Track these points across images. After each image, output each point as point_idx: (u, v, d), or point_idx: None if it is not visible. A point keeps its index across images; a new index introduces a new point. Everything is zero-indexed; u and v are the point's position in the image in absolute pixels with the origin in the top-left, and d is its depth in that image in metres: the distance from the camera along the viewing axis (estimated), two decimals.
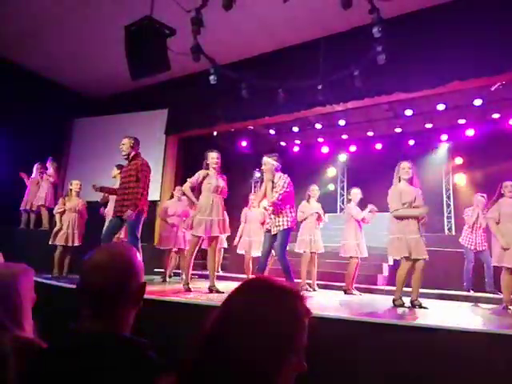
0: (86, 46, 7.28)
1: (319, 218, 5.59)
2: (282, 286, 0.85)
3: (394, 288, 4.14)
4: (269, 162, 4.42)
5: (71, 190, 5.86)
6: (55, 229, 5.68)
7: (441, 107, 7.85)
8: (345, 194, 10.60)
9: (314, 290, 5.42)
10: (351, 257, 5.21)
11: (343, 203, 10.65)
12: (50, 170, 7.38)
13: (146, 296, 1.16)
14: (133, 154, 4.32)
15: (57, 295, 3.37)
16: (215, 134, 8.88)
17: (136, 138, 4.42)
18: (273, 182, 4.34)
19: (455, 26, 5.45)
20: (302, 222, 5.57)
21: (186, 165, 8.84)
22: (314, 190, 5.72)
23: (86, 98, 9.31)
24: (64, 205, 5.76)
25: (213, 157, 4.49)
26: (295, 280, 4.69)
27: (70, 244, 5.60)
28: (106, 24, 6.39)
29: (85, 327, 1.04)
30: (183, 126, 8.20)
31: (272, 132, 10.01)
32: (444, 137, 9.36)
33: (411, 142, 9.54)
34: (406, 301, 3.94)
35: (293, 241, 5.36)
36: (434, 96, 6.96)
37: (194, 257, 4.44)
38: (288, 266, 4.15)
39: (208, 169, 4.49)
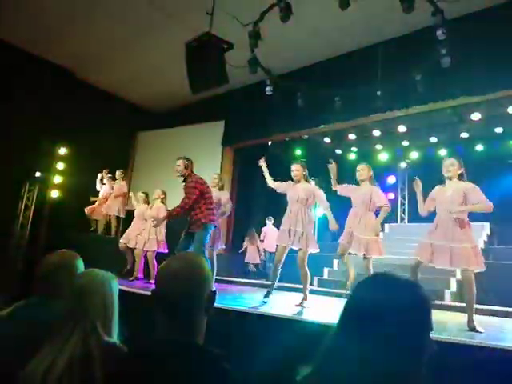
0: (149, 63, 7.73)
1: None
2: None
3: (463, 304, 3.85)
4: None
5: None
6: None
7: None
8: (406, 202, 10.15)
9: None
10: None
11: (404, 213, 10.20)
12: (121, 181, 7.81)
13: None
14: (187, 174, 4.53)
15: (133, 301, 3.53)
16: (270, 143, 8.96)
17: (189, 159, 4.62)
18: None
19: None
20: None
21: (240, 174, 9.02)
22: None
23: (150, 112, 9.86)
24: None
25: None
26: None
27: None
28: (168, 42, 6.74)
29: (161, 334, 1.08)
30: (239, 137, 8.38)
31: (327, 140, 9.87)
32: None
33: (479, 148, 8.93)
34: None
35: None
36: (504, 98, 6.47)
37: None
38: None
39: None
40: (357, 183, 4.53)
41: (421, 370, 0.81)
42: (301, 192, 4.42)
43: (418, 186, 3.87)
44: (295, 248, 4.38)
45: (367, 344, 0.79)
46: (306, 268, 4.30)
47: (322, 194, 4.48)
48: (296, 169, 4.50)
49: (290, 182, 4.59)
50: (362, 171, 4.40)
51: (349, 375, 0.78)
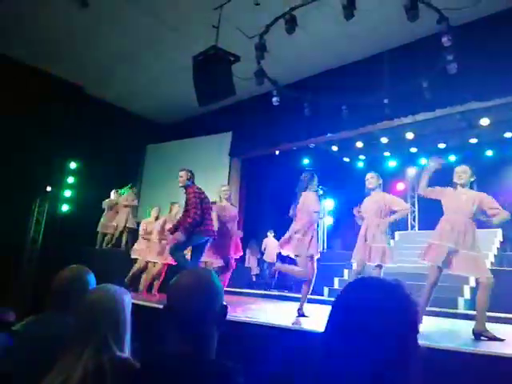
0: (157, 77, 7.84)
1: None
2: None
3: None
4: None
5: None
6: None
7: None
8: (416, 210, 10.06)
9: None
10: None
11: (414, 220, 10.09)
12: (131, 193, 7.87)
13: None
14: (187, 185, 4.71)
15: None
16: (277, 153, 8.98)
17: (191, 170, 4.79)
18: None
19: None
20: None
21: (248, 184, 9.05)
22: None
23: (157, 125, 9.96)
24: None
25: None
26: None
27: None
28: (175, 56, 6.84)
29: (172, 349, 1.08)
30: (246, 148, 8.40)
31: (335, 148, 9.87)
32: None
33: (489, 153, 8.86)
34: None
35: None
36: None
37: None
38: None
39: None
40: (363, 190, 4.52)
41: (408, 373, 0.79)
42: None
43: (435, 166, 3.78)
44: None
45: (353, 345, 0.78)
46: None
47: None
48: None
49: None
50: (372, 179, 4.36)
51: (338, 377, 0.77)
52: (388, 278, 0.89)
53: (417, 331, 0.83)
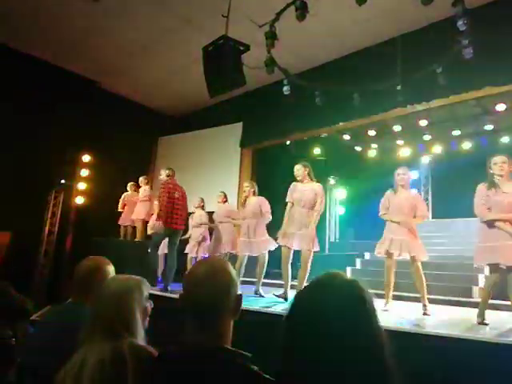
0: (168, 70, 7.83)
1: None
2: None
3: (492, 301, 3.74)
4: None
5: None
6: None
7: None
8: (429, 198, 9.92)
9: None
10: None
11: (428, 209, 9.97)
12: (146, 187, 7.93)
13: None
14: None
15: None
16: (288, 143, 8.92)
17: (171, 168, 5.78)
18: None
19: None
20: None
21: (260, 175, 9.01)
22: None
23: (169, 117, 9.98)
24: None
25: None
26: None
27: None
28: (185, 47, 6.82)
29: (189, 337, 1.09)
30: (257, 138, 8.36)
31: (347, 137, 9.76)
32: None
33: (505, 140, 8.65)
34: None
35: None
36: None
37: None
38: None
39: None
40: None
41: (382, 368, 0.78)
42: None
43: None
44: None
45: (312, 345, 0.78)
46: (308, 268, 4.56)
47: None
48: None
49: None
50: (404, 175, 4.37)
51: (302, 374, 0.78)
52: (342, 276, 0.88)
53: (373, 327, 0.82)
